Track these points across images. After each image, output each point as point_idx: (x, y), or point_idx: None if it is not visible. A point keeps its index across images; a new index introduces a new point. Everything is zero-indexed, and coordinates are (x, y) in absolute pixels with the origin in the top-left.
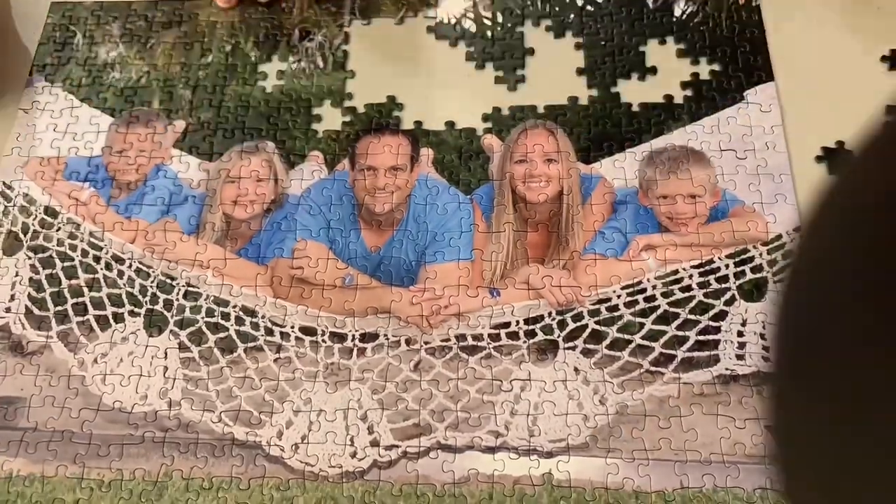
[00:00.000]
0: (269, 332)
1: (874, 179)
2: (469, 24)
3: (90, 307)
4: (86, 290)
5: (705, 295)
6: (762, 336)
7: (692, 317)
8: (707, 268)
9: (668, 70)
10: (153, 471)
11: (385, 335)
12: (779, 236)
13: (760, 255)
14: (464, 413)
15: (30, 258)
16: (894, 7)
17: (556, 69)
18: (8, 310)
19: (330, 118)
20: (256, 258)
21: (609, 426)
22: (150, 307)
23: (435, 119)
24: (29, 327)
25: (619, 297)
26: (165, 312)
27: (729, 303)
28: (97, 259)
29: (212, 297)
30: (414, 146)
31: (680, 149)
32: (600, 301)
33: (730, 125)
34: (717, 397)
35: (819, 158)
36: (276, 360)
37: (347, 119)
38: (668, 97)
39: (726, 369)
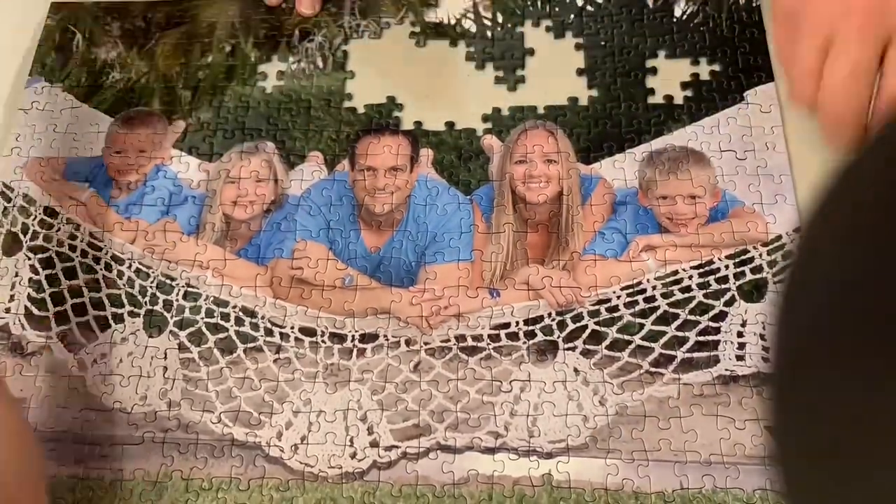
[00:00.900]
0: (269, 332)
1: (877, 175)
2: (469, 25)
3: (90, 308)
4: (85, 290)
5: (705, 296)
6: (762, 337)
7: (692, 317)
8: (707, 268)
9: (668, 70)
10: (153, 471)
11: (385, 336)
12: (779, 237)
13: (760, 255)
14: (463, 414)
15: (29, 259)
16: None
17: (556, 70)
18: (7, 310)
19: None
20: (256, 259)
21: (609, 427)
22: (150, 308)
23: (435, 119)
24: (29, 328)
25: (618, 297)
26: (165, 313)
27: (729, 303)
28: (97, 259)
29: (211, 298)
30: (414, 147)
31: (680, 149)
32: (600, 302)
33: (730, 126)
34: (717, 398)
35: None
36: (275, 361)
37: (348, 119)
38: (668, 98)
39: (726, 370)
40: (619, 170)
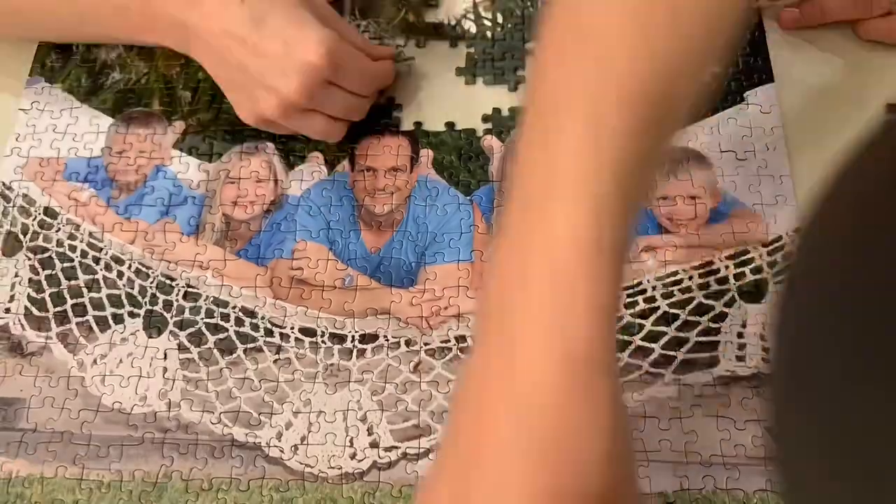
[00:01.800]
0: (269, 333)
1: (878, 169)
2: (469, 25)
3: (90, 308)
4: (85, 290)
5: (705, 296)
6: (762, 337)
7: (692, 318)
8: (707, 269)
9: None
10: (152, 472)
11: (385, 336)
12: (779, 237)
13: (760, 256)
14: None
15: (29, 259)
16: None
17: None
18: (7, 310)
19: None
20: (256, 259)
21: None
22: (150, 308)
23: (435, 120)
24: (28, 328)
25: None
26: (165, 313)
27: (729, 304)
28: (97, 260)
29: (211, 298)
30: (414, 147)
31: (680, 150)
32: None
33: (730, 126)
34: (718, 399)
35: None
36: (275, 362)
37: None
38: None
39: (726, 371)
40: None
